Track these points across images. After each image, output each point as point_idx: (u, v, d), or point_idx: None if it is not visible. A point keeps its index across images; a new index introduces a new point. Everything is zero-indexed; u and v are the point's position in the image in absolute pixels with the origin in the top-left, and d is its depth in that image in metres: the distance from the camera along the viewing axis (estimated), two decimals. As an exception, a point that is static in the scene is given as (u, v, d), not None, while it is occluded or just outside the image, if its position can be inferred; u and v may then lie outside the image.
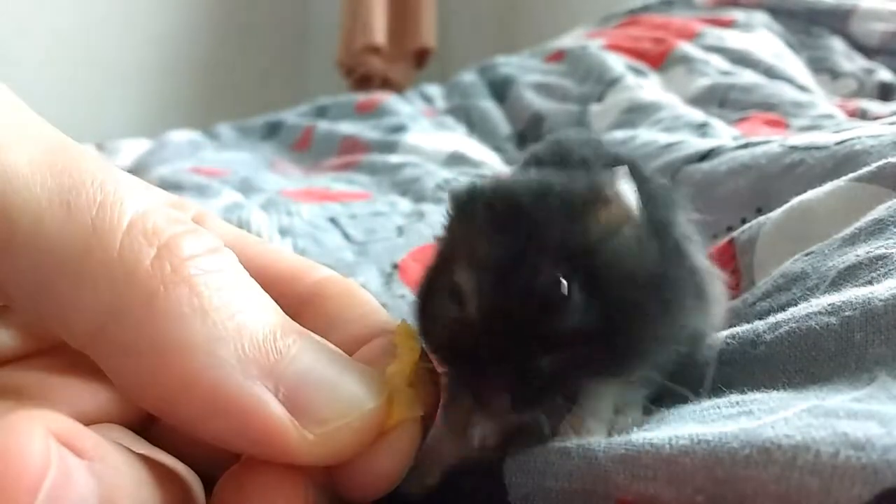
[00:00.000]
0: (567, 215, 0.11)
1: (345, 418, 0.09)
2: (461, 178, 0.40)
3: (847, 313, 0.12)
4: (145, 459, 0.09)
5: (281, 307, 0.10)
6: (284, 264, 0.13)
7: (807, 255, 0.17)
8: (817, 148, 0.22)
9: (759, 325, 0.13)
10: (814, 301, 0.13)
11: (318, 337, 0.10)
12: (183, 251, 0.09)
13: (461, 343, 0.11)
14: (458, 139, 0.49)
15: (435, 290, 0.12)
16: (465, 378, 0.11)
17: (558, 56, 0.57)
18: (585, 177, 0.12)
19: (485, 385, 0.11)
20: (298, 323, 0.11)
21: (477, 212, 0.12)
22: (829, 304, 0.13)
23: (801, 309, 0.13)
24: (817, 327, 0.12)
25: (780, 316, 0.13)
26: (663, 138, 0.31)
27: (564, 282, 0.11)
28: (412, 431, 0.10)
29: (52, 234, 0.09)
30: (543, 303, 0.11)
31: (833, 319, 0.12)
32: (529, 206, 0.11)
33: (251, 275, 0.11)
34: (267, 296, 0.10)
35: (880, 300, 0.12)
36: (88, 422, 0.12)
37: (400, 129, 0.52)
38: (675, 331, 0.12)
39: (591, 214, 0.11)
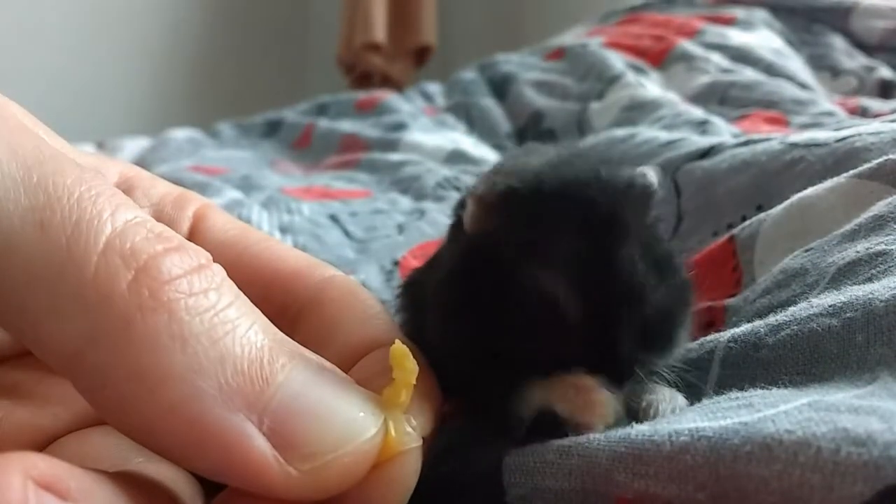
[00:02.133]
0: (635, 207, 0.12)
1: (334, 452, 0.09)
2: (462, 177, 0.40)
3: (848, 314, 0.12)
4: (135, 482, 0.09)
5: (280, 310, 0.10)
6: (287, 263, 0.13)
7: (806, 251, 0.17)
8: (818, 145, 0.22)
9: (761, 327, 0.13)
10: (815, 301, 0.13)
11: (311, 355, 0.10)
12: (162, 274, 0.08)
13: (552, 346, 0.11)
14: (459, 137, 0.49)
15: (490, 296, 0.11)
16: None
17: (558, 54, 0.56)
18: (621, 169, 0.12)
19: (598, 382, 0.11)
20: (297, 328, 0.11)
21: (533, 211, 0.11)
22: (830, 306, 0.13)
23: (803, 310, 0.13)
24: (819, 329, 0.12)
25: (782, 317, 0.13)
26: (664, 136, 0.31)
27: (642, 267, 0.11)
28: (410, 463, 0.10)
29: (25, 256, 0.08)
30: (638, 293, 0.11)
31: (835, 321, 0.12)
32: (597, 204, 0.11)
33: (252, 274, 0.11)
34: (258, 312, 0.09)
35: (881, 301, 0.12)
36: (85, 422, 0.12)
37: (400, 127, 0.52)
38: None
39: (647, 205, 0.12)
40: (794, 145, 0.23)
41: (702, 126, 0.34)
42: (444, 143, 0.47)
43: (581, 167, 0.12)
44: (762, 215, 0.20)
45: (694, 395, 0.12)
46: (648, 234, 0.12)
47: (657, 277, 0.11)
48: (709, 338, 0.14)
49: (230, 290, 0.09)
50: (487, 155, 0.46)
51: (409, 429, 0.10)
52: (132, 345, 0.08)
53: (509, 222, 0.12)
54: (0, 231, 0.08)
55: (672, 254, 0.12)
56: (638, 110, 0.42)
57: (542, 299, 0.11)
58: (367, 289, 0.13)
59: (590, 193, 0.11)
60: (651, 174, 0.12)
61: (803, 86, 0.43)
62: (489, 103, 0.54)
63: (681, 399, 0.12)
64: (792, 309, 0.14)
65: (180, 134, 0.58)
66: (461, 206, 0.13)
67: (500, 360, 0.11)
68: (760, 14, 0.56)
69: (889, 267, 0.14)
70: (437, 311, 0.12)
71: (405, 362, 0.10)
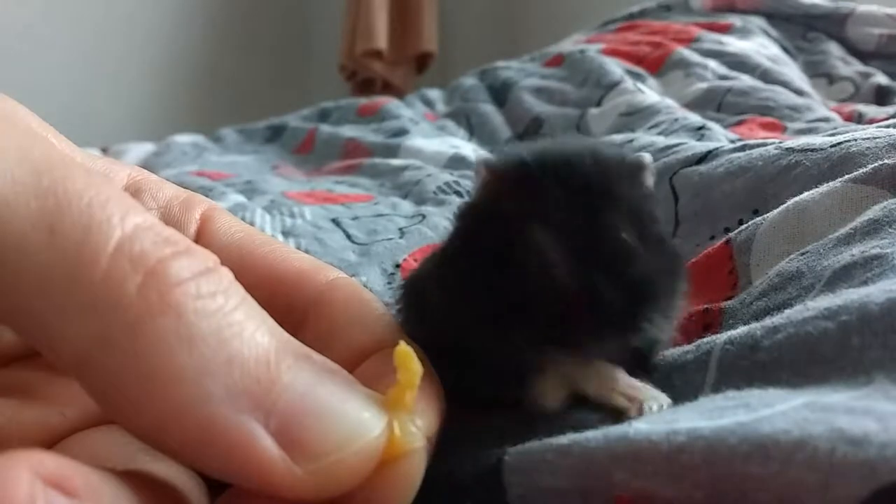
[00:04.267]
0: (626, 179, 0.13)
1: (340, 451, 0.09)
2: (462, 181, 0.40)
3: (844, 317, 0.12)
4: (142, 481, 0.09)
5: (285, 311, 0.10)
6: (292, 265, 0.13)
7: (802, 254, 0.17)
8: (813, 150, 0.23)
9: (758, 329, 0.13)
10: (811, 304, 0.13)
11: (317, 355, 0.10)
12: (171, 277, 0.09)
13: (546, 306, 0.11)
14: (459, 142, 0.50)
15: (491, 262, 0.12)
16: (551, 337, 0.12)
17: (557, 60, 0.57)
18: (613, 148, 0.13)
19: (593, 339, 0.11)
20: (302, 329, 0.11)
21: (536, 180, 0.12)
22: (825, 309, 0.13)
23: (799, 313, 0.13)
24: (815, 332, 0.12)
25: (778, 320, 0.13)
26: (661, 141, 0.31)
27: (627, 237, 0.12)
28: (414, 463, 0.10)
29: (35, 260, 0.08)
30: (622, 253, 0.12)
31: (830, 324, 0.12)
32: (590, 173, 0.12)
33: (257, 276, 0.11)
34: (264, 314, 0.09)
35: (876, 304, 0.12)
36: (93, 422, 0.12)
37: (401, 132, 0.53)
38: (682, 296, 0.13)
39: (639, 178, 0.13)
40: (791, 150, 0.23)
41: (699, 132, 0.35)
42: (444, 148, 0.48)
43: (582, 145, 0.13)
44: (759, 219, 0.20)
45: (691, 397, 0.13)
46: (640, 209, 0.12)
47: (645, 245, 0.12)
48: (705, 340, 0.14)
49: (237, 292, 0.09)
50: (488, 160, 0.46)
51: (413, 429, 0.10)
52: (141, 347, 0.08)
53: (515, 189, 0.12)
54: (11, 235, 0.08)
55: (663, 233, 0.13)
56: (636, 116, 0.42)
57: (538, 259, 0.12)
58: (370, 291, 0.13)
59: (585, 163, 0.12)
60: (646, 156, 0.14)
61: (799, 92, 0.44)
62: (489, 109, 0.54)
63: (663, 398, 0.12)
64: (788, 312, 0.14)
65: (184, 139, 0.58)
66: (461, 211, 0.14)
67: (506, 333, 0.12)
68: (757, 21, 0.57)
69: (884, 270, 0.14)
70: (444, 281, 0.12)
71: (410, 363, 0.10)
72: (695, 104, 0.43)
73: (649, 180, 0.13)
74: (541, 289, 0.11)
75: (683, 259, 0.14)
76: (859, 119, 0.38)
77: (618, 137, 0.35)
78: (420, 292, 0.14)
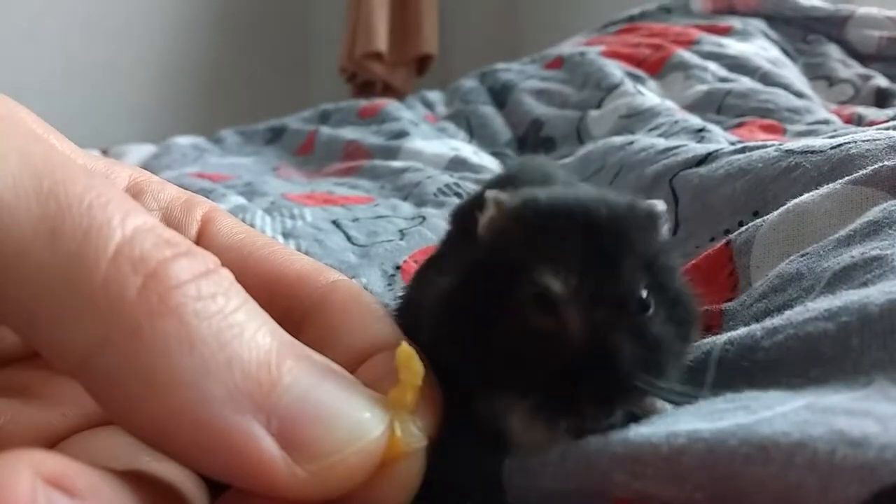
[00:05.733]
0: (640, 228, 0.12)
1: (341, 452, 0.09)
2: (462, 183, 0.40)
3: (844, 318, 0.12)
4: (142, 481, 0.09)
5: (285, 313, 0.10)
6: (292, 267, 0.13)
7: (802, 256, 0.17)
8: (813, 152, 0.23)
9: (757, 330, 0.13)
10: (811, 305, 0.13)
11: (318, 356, 0.10)
12: (171, 279, 0.09)
13: (547, 354, 0.11)
14: (459, 144, 0.50)
15: (491, 301, 0.11)
16: (550, 389, 0.11)
17: (557, 63, 0.57)
18: (625, 196, 0.13)
19: (593, 396, 0.10)
20: (302, 331, 0.11)
21: (546, 220, 0.12)
22: (825, 310, 0.13)
23: (799, 314, 0.13)
24: (815, 333, 0.12)
25: (778, 321, 0.13)
26: (661, 143, 0.31)
27: (645, 291, 0.11)
28: (415, 464, 0.10)
29: (36, 264, 0.08)
30: (640, 309, 0.11)
31: (830, 325, 0.12)
32: (604, 219, 0.11)
33: (258, 277, 0.11)
34: (265, 315, 0.09)
35: (876, 305, 0.12)
36: (94, 422, 0.12)
37: (401, 134, 0.53)
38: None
39: (653, 228, 0.12)
40: (790, 152, 0.23)
41: (699, 134, 0.35)
42: (444, 150, 0.48)
43: (595, 192, 0.13)
44: (759, 221, 0.20)
45: (690, 397, 0.13)
46: (656, 259, 0.12)
47: (659, 298, 0.11)
48: (705, 341, 0.14)
49: (238, 293, 0.09)
50: (488, 162, 0.46)
51: (414, 430, 0.10)
52: (141, 350, 0.08)
53: (524, 228, 0.12)
54: (12, 239, 0.08)
55: (681, 288, 0.12)
56: (636, 118, 0.42)
57: (545, 305, 0.11)
58: (370, 293, 0.13)
59: (600, 209, 0.12)
60: (660, 203, 0.13)
61: (799, 95, 0.44)
62: (489, 111, 0.54)
63: (660, 405, 0.12)
64: (788, 313, 0.14)
65: (184, 141, 0.59)
66: (458, 212, 0.14)
67: (498, 382, 0.11)
68: (757, 24, 0.57)
69: (884, 272, 0.14)
70: (444, 313, 0.12)
71: (411, 364, 0.10)
72: (695, 106, 0.43)
73: (664, 228, 0.13)
74: (545, 338, 0.11)
75: (697, 306, 0.13)
76: (859, 121, 0.38)
77: (618, 139, 0.35)
78: (414, 326, 0.13)
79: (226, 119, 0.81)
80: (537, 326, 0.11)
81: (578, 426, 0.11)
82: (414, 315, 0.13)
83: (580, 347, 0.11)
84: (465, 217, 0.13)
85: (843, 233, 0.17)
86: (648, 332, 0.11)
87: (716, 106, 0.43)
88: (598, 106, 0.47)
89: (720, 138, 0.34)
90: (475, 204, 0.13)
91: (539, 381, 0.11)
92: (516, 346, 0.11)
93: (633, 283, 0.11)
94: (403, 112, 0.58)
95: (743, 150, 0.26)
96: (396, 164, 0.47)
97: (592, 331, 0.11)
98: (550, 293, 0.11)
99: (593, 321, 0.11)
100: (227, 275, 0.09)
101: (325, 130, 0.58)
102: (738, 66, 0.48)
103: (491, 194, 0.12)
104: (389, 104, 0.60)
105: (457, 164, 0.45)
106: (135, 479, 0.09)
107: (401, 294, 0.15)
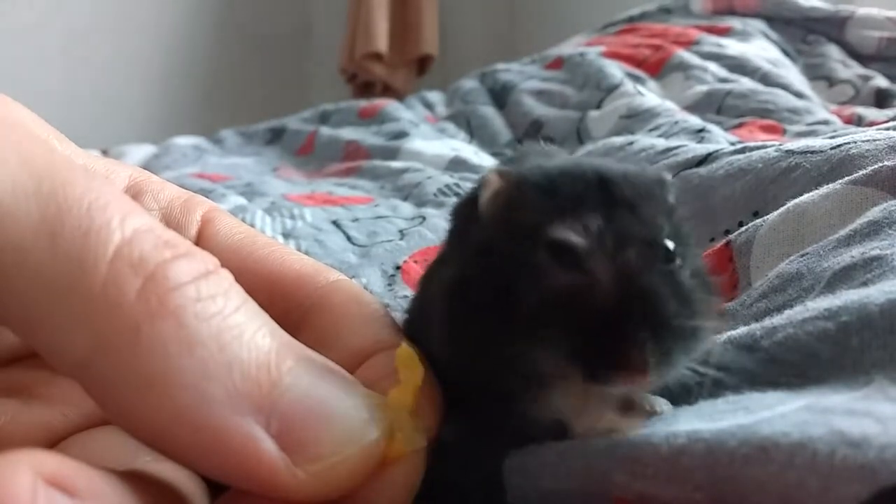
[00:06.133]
0: (656, 184, 0.12)
1: (341, 453, 0.09)
2: (462, 183, 0.40)
3: (844, 318, 0.12)
4: (142, 481, 0.09)
5: (285, 313, 0.10)
6: (292, 267, 0.13)
7: (802, 256, 0.17)
8: (813, 152, 0.23)
9: (757, 329, 0.13)
10: (810, 305, 0.13)
11: (317, 357, 0.10)
12: (170, 280, 0.09)
13: (582, 314, 0.10)
14: (459, 145, 0.50)
15: (509, 265, 0.10)
16: (587, 345, 0.10)
17: (557, 63, 0.57)
18: (636, 165, 0.12)
19: (636, 349, 0.09)
20: (302, 331, 0.11)
21: (559, 180, 0.11)
22: (825, 309, 0.13)
23: (798, 313, 0.13)
24: (815, 332, 0.12)
25: (777, 320, 0.13)
26: (661, 143, 0.31)
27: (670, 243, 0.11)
28: (415, 464, 0.10)
29: (36, 266, 0.08)
30: (667, 258, 0.10)
31: (830, 324, 0.12)
32: (618, 175, 0.11)
33: (258, 278, 0.11)
34: (265, 316, 0.09)
35: (876, 305, 0.12)
36: (94, 422, 0.12)
37: (401, 134, 0.53)
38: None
39: (669, 191, 0.12)
40: (790, 152, 0.23)
41: (699, 134, 0.35)
42: (444, 150, 0.48)
43: (598, 160, 0.12)
44: (758, 221, 0.20)
45: (690, 397, 0.13)
46: (672, 213, 0.11)
47: (683, 253, 0.11)
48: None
49: (238, 294, 0.09)
50: (488, 163, 0.46)
51: (414, 430, 0.10)
52: (141, 352, 0.08)
53: (535, 191, 0.11)
54: (12, 242, 0.08)
55: (698, 255, 0.12)
56: (636, 119, 0.42)
57: (566, 258, 0.10)
58: (369, 293, 0.13)
59: (610, 167, 0.11)
60: (665, 173, 0.13)
61: (799, 95, 0.44)
62: (489, 112, 0.54)
63: (662, 402, 0.12)
64: (788, 312, 0.14)
65: (184, 141, 0.59)
66: (458, 209, 0.13)
67: (519, 354, 0.10)
68: (757, 24, 0.57)
69: (884, 271, 0.14)
70: (453, 304, 0.11)
71: (412, 364, 0.10)
72: (695, 107, 0.43)
73: (672, 196, 0.12)
74: (575, 297, 0.10)
75: (711, 280, 0.12)
76: (859, 122, 0.38)
77: (618, 140, 0.35)
78: (426, 318, 0.12)
79: (226, 119, 0.81)
80: (562, 286, 0.10)
81: (632, 379, 0.10)
82: (425, 318, 0.12)
83: (612, 298, 0.10)
84: (466, 208, 0.12)
85: (843, 233, 0.17)
86: (679, 281, 0.10)
87: (716, 106, 0.43)
88: (598, 106, 0.47)
89: (720, 139, 0.34)
90: (476, 192, 0.12)
91: (577, 348, 0.10)
92: (545, 318, 0.10)
93: (657, 230, 0.10)
94: (403, 112, 0.58)
95: (743, 151, 0.26)
96: (396, 164, 0.47)
97: (622, 277, 0.10)
98: (571, 245, 0.10)
99: (621, 266, 0.10)
100: (226, 276, 0.09)
101: (325, 131, 0.58)
102: (738, 66, 0.48)
103: (492, 172, 0.11)
104: (389, 105, 0.60)
105: (457, 165, 0.45)
106: (135, 479, 0.09)
107: (410, 301, 0.14)
